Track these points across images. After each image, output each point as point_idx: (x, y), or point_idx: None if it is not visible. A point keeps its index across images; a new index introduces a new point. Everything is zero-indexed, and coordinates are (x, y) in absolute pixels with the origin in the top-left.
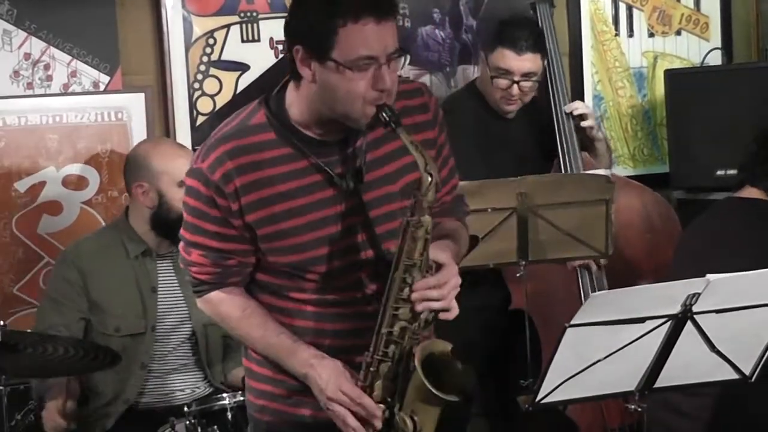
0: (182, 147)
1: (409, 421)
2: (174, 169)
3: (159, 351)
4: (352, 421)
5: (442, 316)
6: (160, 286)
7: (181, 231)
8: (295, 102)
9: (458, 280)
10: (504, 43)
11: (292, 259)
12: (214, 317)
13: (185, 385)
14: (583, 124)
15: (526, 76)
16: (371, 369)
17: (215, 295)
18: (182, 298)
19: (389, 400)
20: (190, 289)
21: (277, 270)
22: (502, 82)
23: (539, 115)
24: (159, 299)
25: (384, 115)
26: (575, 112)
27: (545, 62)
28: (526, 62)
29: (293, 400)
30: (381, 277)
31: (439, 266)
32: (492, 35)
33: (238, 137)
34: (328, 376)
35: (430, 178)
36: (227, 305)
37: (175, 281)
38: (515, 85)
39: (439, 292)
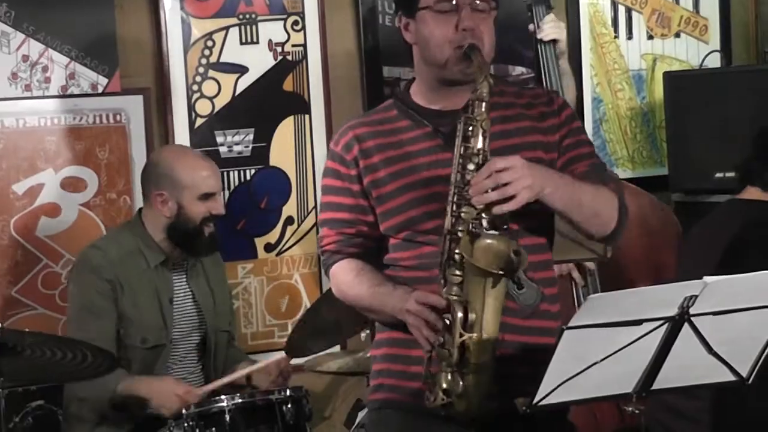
0: (206, 159)
1: (460, 311)
2: (198, 182)
3: (175, 363)
4: (423, 327)
5: (497, 210)
6: (175, 297)
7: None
8: (416, 85)
9: (519, 172)
10: None
11: (405, 217)
12: (338, 294)
13: None
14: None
15: None
16: (442, 277)
17: (336, 266)
18: (194, 309)
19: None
20: (204, 299)
21: (394, 240)
22: None
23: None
24: (175, 311)
25: (465, 47)
26: (546, 38)
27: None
28: None
29: (409, 373)
30: None
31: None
32: None
33: (364, 116)
34: (413, 295)
35: (482, 77)
36: (344, 272)
37: (189, 291)
38: None
39: (494, 180)
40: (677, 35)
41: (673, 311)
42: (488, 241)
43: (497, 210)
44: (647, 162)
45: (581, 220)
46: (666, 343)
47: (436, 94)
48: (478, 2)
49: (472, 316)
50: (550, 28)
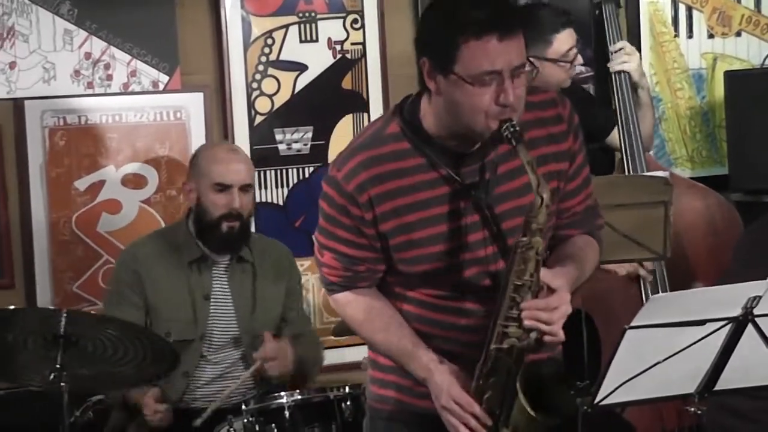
0: (233, 152)
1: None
2: (213, 172)
3: (208, 359)
4: (463, 430)
5: (548, 339)
6: (213, 294)
7: (316, 233)
8: (428, 113)
9: (568, 308)
10: (561, 27)
11: (424, 268)
12: (341, 316)
13: (236, 394)
14: (626, 67)
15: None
16: (480, 382)
17: (343, 296)
18: (232, 309)
19: (496, 412)
20: (242, 299)
21: (409, 275)
22: (565, 66)
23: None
24: (211, 308)
25: (506, 131)
26: (617, 67)
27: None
28: (573, 34)
29: (418, 391)
30: None
31: (551, 290)
32: (541, 27)
33: (373, 147)
34: (442, 382)
35: (540, 201)
36: (352, 307)
37: (228, 290)
38: (578, 55)
39: (548, 316)
40: (738, 34)
41: (736, 311)
42: (553, 398)
43: (548, 340)
44: (706, 162)
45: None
46: (729, 343)
47: (453, 134)
48: (518, 69)
49: None
50: (619, 57)
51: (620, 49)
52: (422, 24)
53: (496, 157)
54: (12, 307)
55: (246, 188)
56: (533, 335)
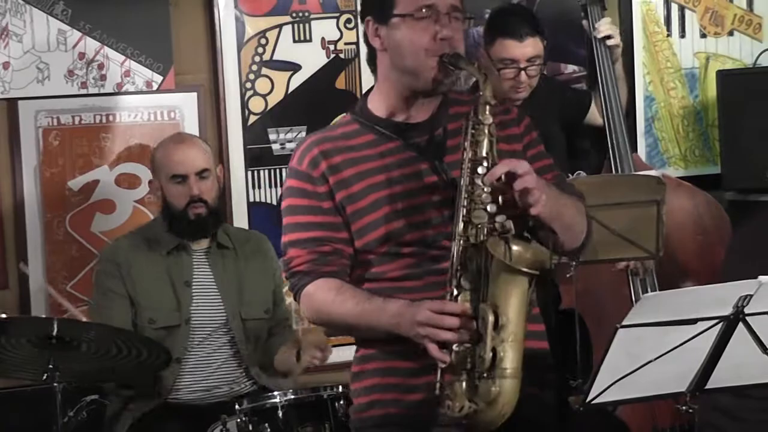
0: (183, 142)
1: (490, 314)
2: (167, 166)
3: (195, 346)
4: (444, 334)
5: (532, 210)
6: (194, 280)
7: (282, 237)
8: (375, 96)
9: (532, 178)
10: (503, 33)
11: (385, 230)
12: (312, 315)
13: (223, 382)
14: (609, 42)
15: (531, 61)
16: (453, 283)
17: (311, 287)
18: (217, 293)
19: (475, 295)
20: (226, 284)
21: (374, 255)
22: (509, 72)
23: (548, 91)
24: (194, 293)
25: (445, 58)
26: (600, 35)
27: (544, 44)
28: (528, 48)
29: (405, 386)
30: None
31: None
32: (489, 28)
33: (323, 132)
34: (414, 306)
35: (484, 78)
36: (322, 291)
37: (210, 276)
38: (522, 72)
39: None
40: (731, 33)
41: (727, 311)
42: (525, 243)
43: (531, 209)
44: (699, 161)
45: (559, 231)
46: (720, 342)
47: (402, 104)
48: (455, 11)
49: (503, 319)
50: (605, 25)
51: (606, 23)
52: None
53: (443, 131)
54: (4, 316)
55: (203, 173)
56: (500, 218)
